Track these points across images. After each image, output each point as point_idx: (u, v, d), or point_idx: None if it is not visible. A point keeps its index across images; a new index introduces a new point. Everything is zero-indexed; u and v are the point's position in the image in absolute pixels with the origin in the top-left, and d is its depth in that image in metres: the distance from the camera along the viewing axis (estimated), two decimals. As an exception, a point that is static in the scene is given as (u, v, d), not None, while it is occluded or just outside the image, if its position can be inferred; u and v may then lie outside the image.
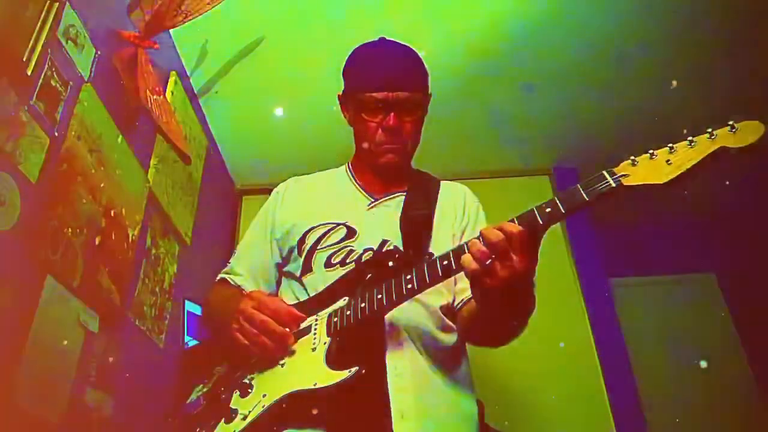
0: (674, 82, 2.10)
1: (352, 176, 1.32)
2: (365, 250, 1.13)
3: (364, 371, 0.91)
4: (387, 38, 1.29)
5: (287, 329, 1.03)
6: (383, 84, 1.18)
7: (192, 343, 1.97)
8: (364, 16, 2.05)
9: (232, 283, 1.27)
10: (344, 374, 0.92)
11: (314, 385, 0.94)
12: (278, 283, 1.29)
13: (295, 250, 1.20)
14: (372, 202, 1.24)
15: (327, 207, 1.24)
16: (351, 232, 1.17)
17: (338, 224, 1.18)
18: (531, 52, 2.24)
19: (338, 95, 1.33)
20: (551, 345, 2.39)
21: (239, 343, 1.05)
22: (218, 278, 1.32)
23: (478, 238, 0.86)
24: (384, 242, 1.14)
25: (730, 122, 0.75)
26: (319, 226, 1.19)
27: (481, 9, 2.07)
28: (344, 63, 1.30)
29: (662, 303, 3.35)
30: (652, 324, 3.22)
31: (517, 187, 2.81)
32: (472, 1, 2.05)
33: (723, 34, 2.19)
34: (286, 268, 1.25)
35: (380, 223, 1.18)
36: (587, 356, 2.43)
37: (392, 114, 1.18)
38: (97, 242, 1.37)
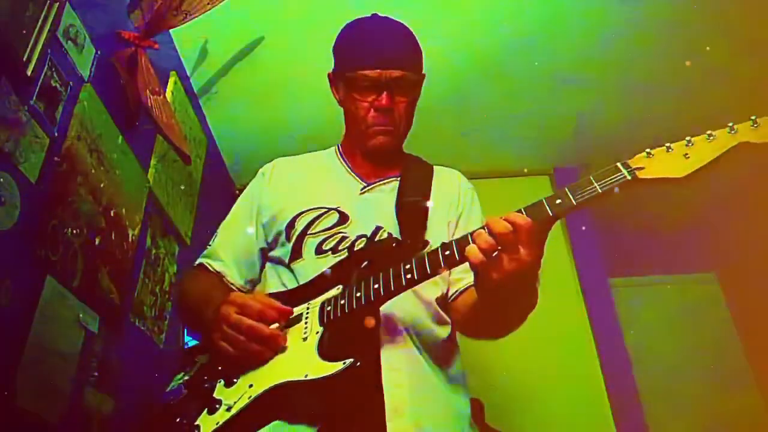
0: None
1: (343, 159, 1.27)
2: (358, 237, 1.09)
3: (359, 364, 0.86)
4: (380, 14, 1.25)
5: (276, 325, 0.97)
6: (376, 62, 1.14)
7: (192, 343, 1.97)
8: (364, 16, 2.04)
9: (211, 269, 1.20)
10: (338, 366, 0.87)
11: (305, 376, 0.89)
12: (262, 267, 1.23)
13: (283, 235, 1.15)
14: (365, 187, 1.20)
15: (317, 190, 1.19)
16: (343, 218, 1.12)
17: (330, 209, 1.14)
18: (532, 52, 2.24)
19: (328, 74, 1.27)
20: (551, 345, 2.39)
21: (226, 353, 0.98)
22: (196, 263, 1.24)
23: (483, 228, 0.83)
24: (378, 229, 1.10)
25: (753, 117, 0.73)
26: (309, 210, 1.14)
27: (482, 8, 2.07)
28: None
29: (662, 303, 3.35)
30: (652, 324, 3.22)
31: (517, 187, 2.82)
32: (473, 0, 2.05)
33: (725, 35, 2.19)
34: (272, 254, 1.19)
35: (373, 209, 1.14)
36: (587, 356, 2.43)
37: (385, 93, 1.13)
38: (97, 242, 1.37)
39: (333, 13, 2.06)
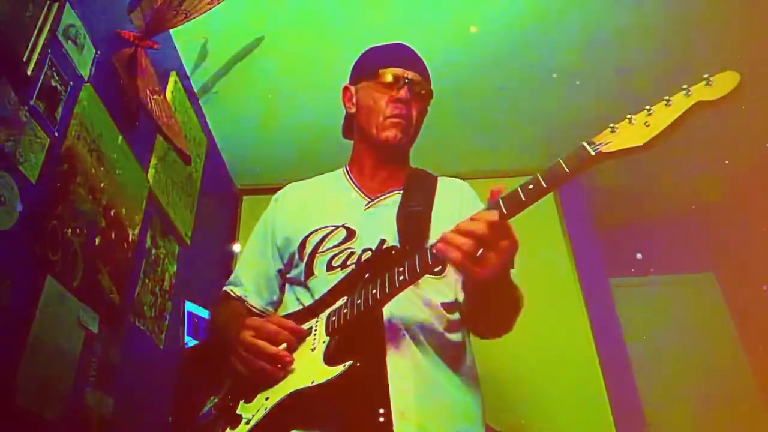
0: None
1: (350, 177, 1.31)
2: (364, 251, 1.13)
3: (359, 364, 0.91)
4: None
5: (284, 345, 1.03)
6: (398, 61, 1.25)
7: (192, 343, 1.97)
8: (363, 16, 2.05)
9: (233, 294, 1.27)
10: (339, 369, 0.92)
11: (312, 383, 0.94)
12: (282, 290, 1.29)
13: (296, 256, 1.20)
14: (369, 202, 1.23)
15: (325, 210, 1.23)
16: (350, 234, 1.16)
17: (337, 226, 1.18)
18: (531, 52, 2.24)
19: (343, 87, 1.34)
20: (551, 345, 2.39)
21: (240, 373, 1.05)
22: (222, 291, 1.32)
23: (456, 231, 0.87)
24: (382, 242, 1.13)
25: (705, 76, 0.75)
26: (318, 229, 1.19)
27: (480, 9, 2.07)
28: (355, 61, 1.34)
29: (662, 303, 3.35)
30: (652, 324, 3.22)
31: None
32: (473, 1, 2.05)
33: (724, 35, 2.19)
34: (289, 275, 1.24)
35: (378, 223, 1.17)
36: (587, 356, 2.43)
37: (405, 87, 1.22)
38: (97, 242, 1.37)
39: (332, 13, 2.07)
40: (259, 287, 1.26)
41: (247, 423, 0.98)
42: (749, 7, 2.08)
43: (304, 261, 1.17)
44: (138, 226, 1.62)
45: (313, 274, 1.16)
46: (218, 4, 1.77)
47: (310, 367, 0.97)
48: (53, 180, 1.21)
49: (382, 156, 1.27)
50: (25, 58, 1.12)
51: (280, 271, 1.27)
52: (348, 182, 1.30)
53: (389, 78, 1.24)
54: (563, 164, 0.82)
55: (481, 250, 0.85)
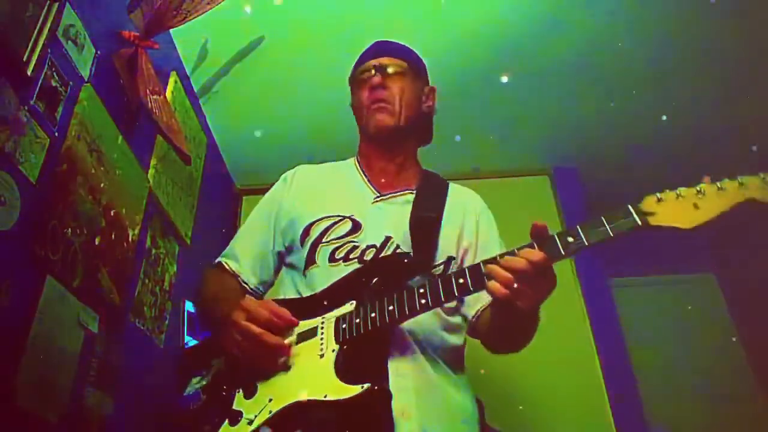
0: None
1: (360, 168, 1.32)
2: (368, 247, 1.12)
3: (376, 387, 0.91)
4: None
5: (282, 338, 1.02)
6: (370, 56, 1.31)
7: (192, 343, 1.97)
8: (363, 16, 2.05)
9: (228, 268, 1.25)
10: (356, 390, 0.91)
11: (324, 397, 0.93)
12: (277, 270, 1.28)
13: (298, 241, 1.19)
14: (378, 197, 1.23)
15: (333, 199, 1.23)
16: (356, 226, 1.16)
17: (343, 217, 1.17)
18: (531, 51, 2.24)
19: (351, 105, 1.37)
20: (551, 345, 2.38)
21: (236, 358, 1.04)
22: (216, 261, 1.30)
23: (496, 259, 0.89)
24: (387, 239, 1.13)
25: (762, 174, 0.76)
26: (324, 218, 1.18)
27: (481, 8, 2.07)
28: (348, 67, 1.38)
29: (662, 303, 3.35)
30: (652, 324, 3.22)
31: (517, 187, 2.81)
32: (471, 1, 2.05)
33: (724, 34, 2.19)
34: (288, 259, 1.24)
35: (384, 219, 1.17)
36: (587, 356, 2.43)
37: (377, 74, 1.26)
38: (97, 242, 1.37)
39: (333, 13, 2.07)
40: (254, 265, 1.25)
41: (249, 423, 0.96)
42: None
43: (306, 248, 1.17)
44: (138, 226, 1.61)
45: (314, 263, 1.15)
46: (218, 4, 1.77)
47: (321, 377, 0.96)
48: (53, 180, 1.21)
49: (383, 146, 1.28)
50: (25, 58, 1.12)
51: (280, 253, 1.26)
52: (359, 173, 1.31)
53: (362, 75, 1.29)
54: (608, 228, 0.84)
55: (517, 285, 0.87)
